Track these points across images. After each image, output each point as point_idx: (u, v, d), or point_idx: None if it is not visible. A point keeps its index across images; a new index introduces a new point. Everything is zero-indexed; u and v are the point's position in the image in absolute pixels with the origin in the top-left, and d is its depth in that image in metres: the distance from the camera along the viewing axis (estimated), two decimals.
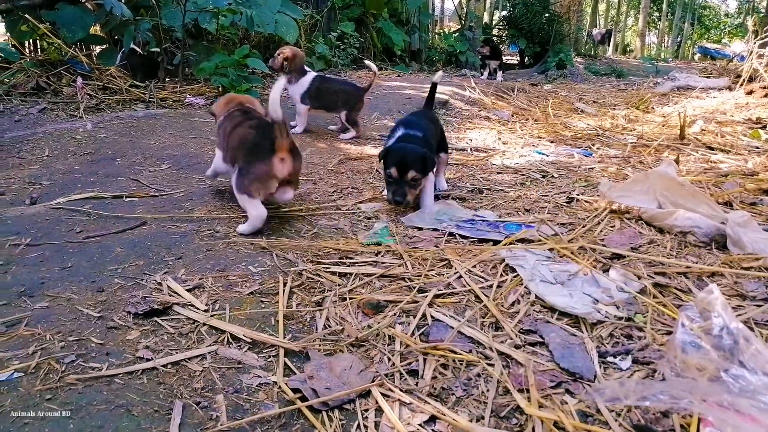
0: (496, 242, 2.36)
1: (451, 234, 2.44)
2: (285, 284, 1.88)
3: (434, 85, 3.29)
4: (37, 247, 2.08)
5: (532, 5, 13.74)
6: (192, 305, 1.72)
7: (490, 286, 1.94)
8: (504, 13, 17.84)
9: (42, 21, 5.24)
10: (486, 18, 14.52)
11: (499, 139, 4.71)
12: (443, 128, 3.27)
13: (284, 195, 2.49)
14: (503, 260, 2.12)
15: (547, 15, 13.64)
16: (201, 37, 6.58)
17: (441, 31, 15.93)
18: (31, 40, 6.12)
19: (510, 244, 2.30)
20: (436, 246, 2.27)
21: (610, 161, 3.93)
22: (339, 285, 1.92)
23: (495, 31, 14.17)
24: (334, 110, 4.51)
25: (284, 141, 2.31)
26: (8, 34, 5.98)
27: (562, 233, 2.50)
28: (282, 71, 4.31)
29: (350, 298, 1.82)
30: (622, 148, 4.45)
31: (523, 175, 3.59)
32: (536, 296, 1.88)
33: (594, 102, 7.49)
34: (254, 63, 5.33)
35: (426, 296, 1.82)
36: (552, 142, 4.71)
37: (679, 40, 35.02)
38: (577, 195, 3.10)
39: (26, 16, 5.06)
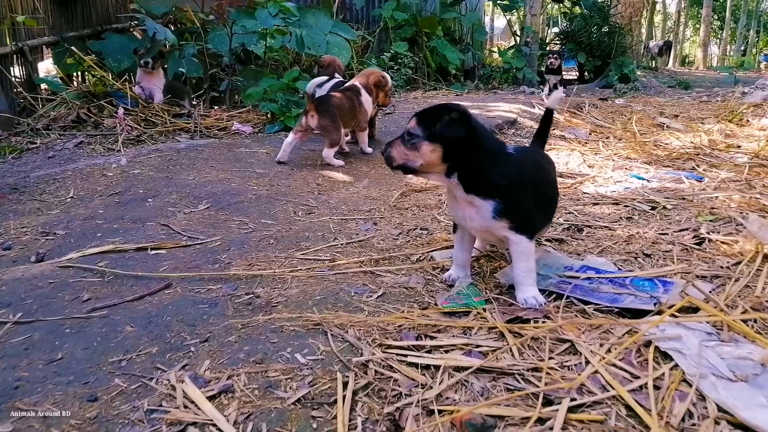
0: (629, 310, 1.74)
1: (560, 293, 1.84)
2: (345, 385, 1.33)
3: (550, 114, 2.24)
4: (27, 325, 1.61)
5: (592, 18, 13.01)
6: (214, 425, 1.20)
7: (642, 386, 1.33)
8: (555, 29, 17.14)
9: (88, 53, 5.01)
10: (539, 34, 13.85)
11: (584, 161, 4.07)
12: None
13: (324, 153, 3.72)
14: (650, 341, 1.51)
15: (607, 27, 12.87)
16: (250, 62, 6.27)
17: (496, 47, 15.35)
18: (78, 73, 5.95)
19: (653, 314, 1.68)
20: (547, 317, 1.68)
21: (728, 186, 3.23)
22: (421, 386, 1.35)
23: (551, 47, 13.46)
24: None
25: (310, 104, 3.64)
26: (56, 66, 5.82)
27: (711, 291, 1.86)
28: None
29: (439, 410, 1.25)
30: (735, 170, 3.72)
31: (626, 206, 2.94)
32: (717, 406, 1.26)
33: (677, 116, 6.71)
34: (304, 86, 4.90)
35: (555, 410, 1.23)
36: (647, 163, 4.03)
37: (743, 48, 33.20)
38: (707, 233, 2.44)
39: (72, 48, 4.82)
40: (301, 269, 2.07)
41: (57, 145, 4.01)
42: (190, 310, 1.72)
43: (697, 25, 36.44)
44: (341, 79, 4.74)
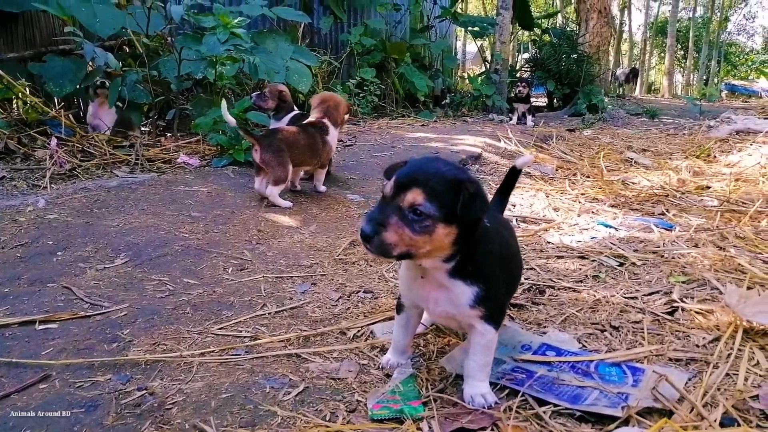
0: (593, 414, 1.47)
1: (514, 388, 1.57)
2: None
3: (515, 174, 1.98)
4: None
5: (560, 46, 13.11)
6: None
7: None
8: (526, 55, 17.36)
9: (17, 78, 4.62)
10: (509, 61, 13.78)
11: (549, 203, 3.85)
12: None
13: (267, 191, 3.45)
14: None
15: (575, 56, 12.96)
16: (206, 88, 5.95)
17: (466, 73, 15.36)
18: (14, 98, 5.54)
19: (621, 421, 1.41)
20: (496, 424, 1.40)
21: (700, 238, 3.03)
22: None
23: (520, 74, 13.46)
24: None
25: (249, 138, 3.50)
26: None
27: (687, 383, 1.61)
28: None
29: None
30: (706, 215, 3.54)
31: (592, 261, 2.71)
32: None
33: (645, 150, 6.61)
34: (256, 117, 4.61)
35: None
36: (614, 206, 3.83)
37: (705, 77, 34.20)
38: (680, 298, 2.21)
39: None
40: (213, 351, 1.76)
41: None
42: (59, 417, 1.39)
43: (662, 54, 37.49)
44: (299, 111, 4.48)
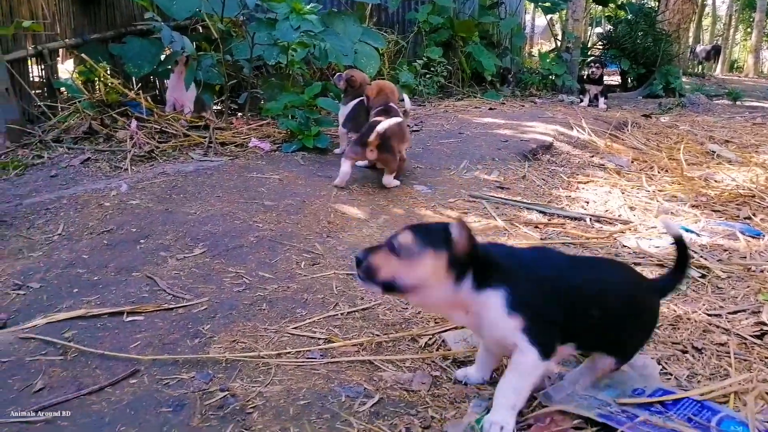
0: None
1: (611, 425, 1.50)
2: None
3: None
4: None
5: (637, 23, 12.43)
6: None
7: None
8: (598, 30, 16.54)
9: (100, 60, 4.82)
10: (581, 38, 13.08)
11: (625, 202, 3.69)
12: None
13: (384, 180, 3.70)
14: None
15: (653, 34, 12.26)
16: (279, 72, 6.02)
17: (535, 49, 14.84)
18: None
19: None
20: None
21: None
22: None
23: (592, 52, 12.85)
24: None
25: (373, 140, 3.40)
26: (76, 71, 5.67)
27: None
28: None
29: None
30: None
31: None
32: None
33: (728, 141, 6.22)
34: (325, 104, 4.64)
35: None
36: (695, 207, 3.64)
37: None
38: None
39: (82, 55, 4.65)
40: (290, 352, 1.81)
41: (63, 161, 3.83)
42: (149, 416, 1.47)
43: (749, 29, 34.91)
44: (362, 97, 4.40)
